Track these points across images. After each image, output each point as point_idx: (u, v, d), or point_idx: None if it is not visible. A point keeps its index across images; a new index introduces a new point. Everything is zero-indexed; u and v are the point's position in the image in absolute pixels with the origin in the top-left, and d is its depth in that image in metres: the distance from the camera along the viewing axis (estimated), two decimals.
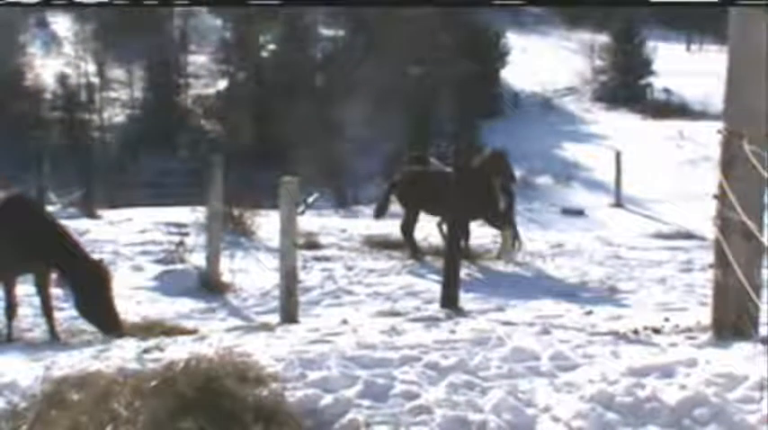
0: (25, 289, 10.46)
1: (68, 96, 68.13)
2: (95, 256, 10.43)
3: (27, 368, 7.09)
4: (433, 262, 15.30)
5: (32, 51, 73.44)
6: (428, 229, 17.03)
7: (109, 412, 5.87)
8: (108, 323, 9.59)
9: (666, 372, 6.74)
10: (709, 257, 8.86)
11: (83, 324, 10.18)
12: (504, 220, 16.09)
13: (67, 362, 7.14)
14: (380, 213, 17.30)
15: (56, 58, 74.18)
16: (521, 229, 16.96)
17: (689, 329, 8.36)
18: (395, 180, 17.19)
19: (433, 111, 59.76)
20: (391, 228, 17.09)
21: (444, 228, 16.35)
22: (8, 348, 9.00)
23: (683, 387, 6.42)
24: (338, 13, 70.55)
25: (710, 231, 8.23)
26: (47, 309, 9.97)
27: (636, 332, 8.29)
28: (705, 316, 8.34)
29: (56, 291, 10.52)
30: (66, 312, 10.70)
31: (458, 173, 12.37)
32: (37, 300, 10.55)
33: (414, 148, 48.44)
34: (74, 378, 6.49)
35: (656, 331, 8.42)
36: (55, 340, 9.77)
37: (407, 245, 16.13)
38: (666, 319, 9.18)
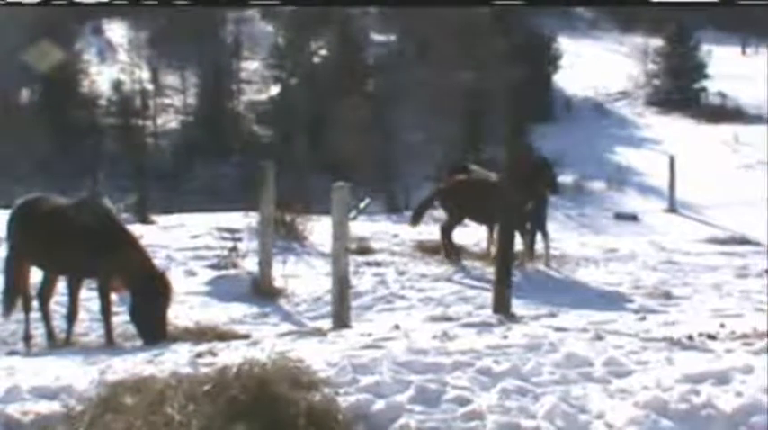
0: (80, 294, 10.56)
1: (123, 103, 68.73)
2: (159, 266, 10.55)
3: (83, 372, 7.16)
4: (483, 267, 15.25)
5: (88, 58, 74.25)
6: (479, 235, 17.00)
7: (163, 416, 5.92)
8: (154, 335, 9.66)
9: (722, 379, 6.68)
10: (765, 263, 8.77)
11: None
12: (525, 224, 15.86)
13: (122, 367, 7.21)
14: (416, 220, 17.49)
15: (111, 65, 74.98)
16: (568, 237, 16.75)
17: (745, 335, 8.29)
18: (440, 188, 17.19)
19: (485, 116, 59.61)
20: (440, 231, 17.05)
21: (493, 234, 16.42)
22: (65, 352, 9.10)
23: (739, 394, 6.37)
24: (390, 18, 70.72)
25: (766, 236, 8.15)
26: (106, 314, 10.07)
27: (691, 338, 8.23)
28: (761, 322, 8.26)
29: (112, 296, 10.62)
30: (121, 317, 10.81)
31: (505, 181, 12.39)
32: (91, 305, 10.68)
33: (461, 155, 48.50)
34: (128, 382, 6.55)
35: (712, 337, 8.34)
36: (110, 344, 9.87)
37: (443, 245, 16.14)
38: (722, 325, 9.10)
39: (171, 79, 72.51)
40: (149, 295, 9.69)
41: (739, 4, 7.05)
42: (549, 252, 16.05)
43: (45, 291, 10.51)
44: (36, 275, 10.74)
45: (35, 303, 10.58)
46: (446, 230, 16.31)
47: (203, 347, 8.02)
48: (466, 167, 18.05)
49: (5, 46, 55.14)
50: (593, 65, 71.80)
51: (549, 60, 69.03)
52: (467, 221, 16.82)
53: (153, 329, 9.70)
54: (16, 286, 10.63)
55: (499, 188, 14.40)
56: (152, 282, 9.76)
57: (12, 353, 9.92)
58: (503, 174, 12.41)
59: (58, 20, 62.33)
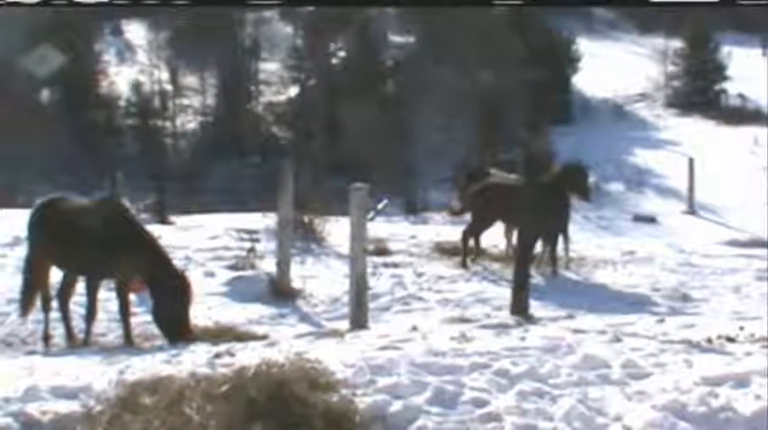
0: (99, 294, 10.59)
1: (142, 103, 68.93)
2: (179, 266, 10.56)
3: (101, 372, 7.18)
4: (501, 269, 15.22)
5: (107, 59, 74.52)
6: (497, 237, 16.96)
7: (181, 416, 5.94)
8: (178, 334, 9.67)
9: (741, 382, 6.66)
10: None
11: (156, 329, 10.31)
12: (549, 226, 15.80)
13: (141, 367, 7.23)
14: (459, 213, 17.57)
15: (130, 66, 75.23)
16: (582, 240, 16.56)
17: (764, 338, 8.26)
18: (473, 191, 16.72)
19: (504, 117, 59.55)
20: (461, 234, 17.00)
21: (510, 235, 16.33)
22: (84, 352, 9.14)
23: (758, 397, 6.35)
24: (408, 20, 70.69)
25: None
26: (125, 314, 10.10)
27: (709, 341, 8.21)
28: None
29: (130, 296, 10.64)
30: (139, 317, 10.84)
31: (534, 186, 12.42)
32: (110, 305, 10.72)
33: (479, 157, 48.40)
34: (147, 382, 6.57)
35: (731, 340, 8.32)
36: (129, 344, 9.90)
37: (463, 249, 15.96)
38: (741, 328, 9.06)
39: (190, 80, 72.67)
40: (171, 295, 9.70)
41: (739, 4, 7.07)
42: (568, 255, 16.00)
43: (65, 291, 10.55)
44: (55, 275, 10.79)
45: (54, 303, 10.62)
46: (468, 234, 16.11)
47: (221, 348, 8.04)
48: (485, 171, 17.83)
49: (24, 46, 55.40)
50: (613, 66, 71.58)
51: (568, 62, 68.86)
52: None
53: (176, 329, 9.71)
54: (35, 286, 10.68)
55: (528, 190, 14.53)
56: (173, 282, 9.77)
57: (31, 352, 9.96)
58: (525, 177, 12.31)
59: (78, 20, 62.60)
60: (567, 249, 15.99)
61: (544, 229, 15.21)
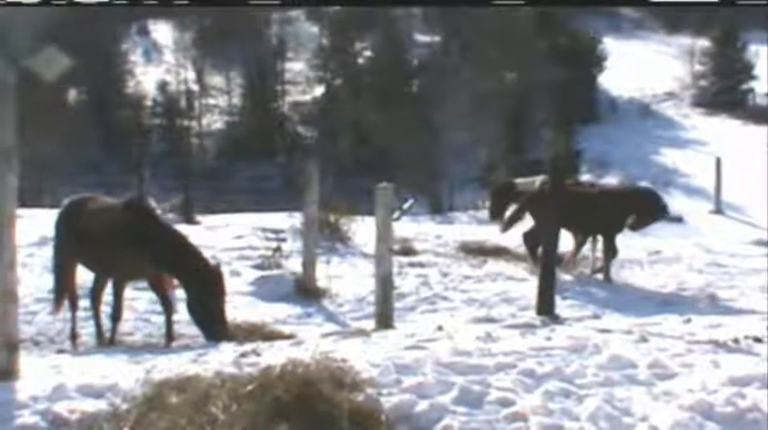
0: (126, 294, 10.62)
1: (168, 103, 69.28)
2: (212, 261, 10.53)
3: (128, 371, 7.21)
4: (534, 270, 15.13)
5: (134, 59, 74.89)
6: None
7: (207, 415, 5.95)
8: (215, 329, 9.66)
9: None
10: None
11: (181, 328, 10.33)
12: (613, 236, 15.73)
13: (167, 366, 7.25)
14: (506, 229, 16.47)
15: (157, 66, 75.58)
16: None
17: None
18: (529, 197, 16.21)
19: (530, 117, 59.45)
20: (486, 234, 16.97)
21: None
22: (111, 351, 9.17)
23: None
24: (434, 19, 70.74)
25: None
26: (167, 312, 10.06)
27: (736, 341, 8.16)
28: None
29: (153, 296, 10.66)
30: (161, 317, 10.87)
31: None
32: (137, 304, 10.77)
33: (501, 162, 48.22)
34: (173, 381, 6.58)
35: (758, 340, 8.26)
36: (170, 342, 9.89)
37: (530, 255, 15.58)
38: None
39: (216, 80, 72.98)
40: (203, 291, 9.63)
41: (739, 3, 7.04)
42: (595, 254, 15.94)
43: (96, 291, 10.55)
44: (82, 274, 10.83)
45: (82, 302, 10.67)
46: (530, 238, 15.75)
47: (247, 347, 8.05)
48: (512, 183, 17.29)
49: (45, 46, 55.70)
50: (639, 65, 71.37)
51: (595, 61, 68.64)
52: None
53: (213, 324, 9.67)
54: (64, 285, 10.73)
55: (593, 198, 15.16)
56: (205, 277, 9.70)
57: (59, 351, 10.01)
58: (551, 180, 12.15)
59: (105, 20, 62.91)
60: (594, 250, 15.86)
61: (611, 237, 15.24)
